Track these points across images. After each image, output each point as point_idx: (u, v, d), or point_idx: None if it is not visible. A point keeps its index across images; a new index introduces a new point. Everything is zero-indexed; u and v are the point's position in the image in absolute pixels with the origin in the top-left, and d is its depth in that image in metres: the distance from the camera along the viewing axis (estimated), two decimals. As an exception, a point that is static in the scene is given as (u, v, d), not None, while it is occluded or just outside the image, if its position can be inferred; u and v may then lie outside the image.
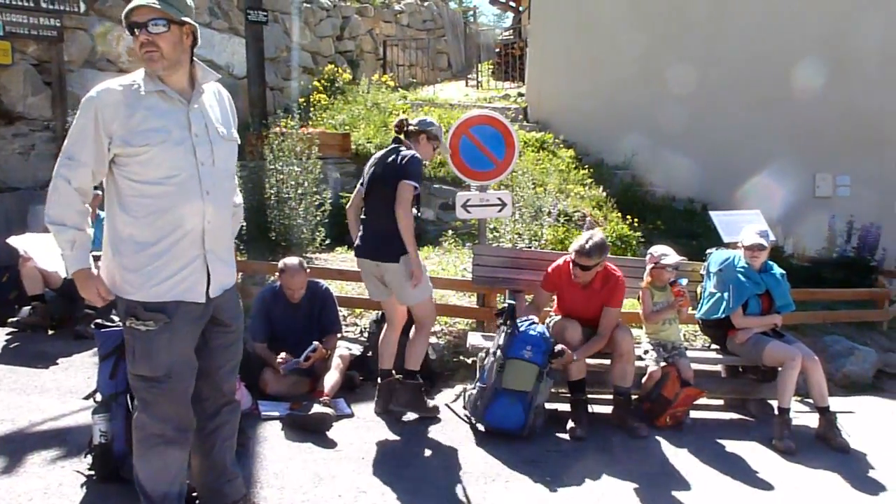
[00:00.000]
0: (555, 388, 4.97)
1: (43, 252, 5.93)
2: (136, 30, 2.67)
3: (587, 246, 4.74)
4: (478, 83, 16.79)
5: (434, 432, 4.59)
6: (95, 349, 5.55)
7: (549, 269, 5.06)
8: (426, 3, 18.78)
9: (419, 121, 4.86)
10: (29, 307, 5.97)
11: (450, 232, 8.94)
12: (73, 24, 9.04)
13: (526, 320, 4.68)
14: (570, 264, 4.88)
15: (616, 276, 4.96)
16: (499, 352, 4.56)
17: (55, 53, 8.68)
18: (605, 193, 10.65)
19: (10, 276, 6.47)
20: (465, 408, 4.82)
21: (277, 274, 5.14)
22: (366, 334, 5.84)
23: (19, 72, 8.58)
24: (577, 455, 4.42)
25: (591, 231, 4.97)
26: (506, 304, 4.83)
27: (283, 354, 4.83)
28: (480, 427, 4.63)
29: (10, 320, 5.98)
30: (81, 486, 3.57)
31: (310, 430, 4.37)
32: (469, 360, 5.61)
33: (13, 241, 5.99)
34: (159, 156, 2.69)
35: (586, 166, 11.52)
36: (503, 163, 5.86)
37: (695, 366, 5.12)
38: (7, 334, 5.91)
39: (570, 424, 4.70)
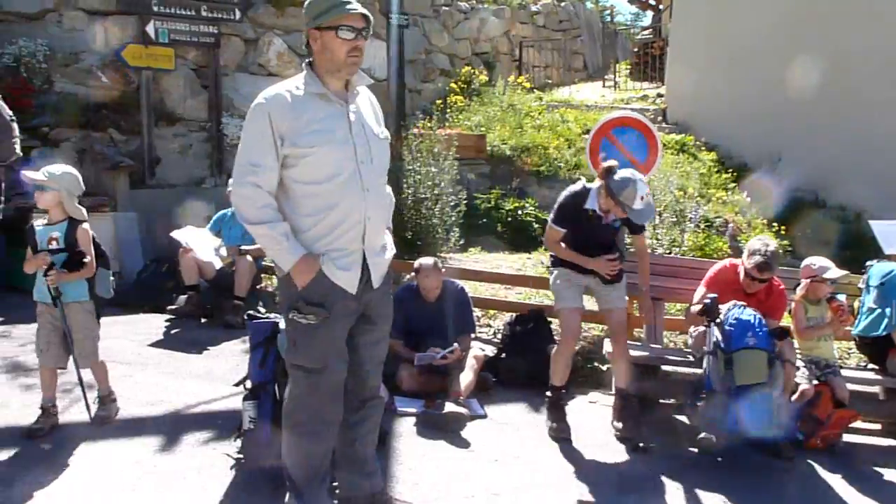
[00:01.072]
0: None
1: (200, 244, 6.33)
2: (340, 32, 2.76)
3: (768, 261, 4.45)
4: (615, 84, 16.47)
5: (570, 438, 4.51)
6: (242, 338, 5.91)
7: (712, 273, 4.80)
8: (563, 4, 18.60)
9: (616, 179, 4.27)
10: (185, 296, 6.38)
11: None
12: (228, 30, 9.59)
13: (731, 307, 4.35)
14: (743, 274, 4.64)
15: (780, 287, 4.71)
16: (718, 351, 4.23)
17: (212, 59, 9.25)
18: (748, 199, 10.17)
19: (168, 266, 6.95)
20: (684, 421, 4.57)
21: (413, 273, 5.23)
22: (499, 336, 5.84)
23: (180, 76, 9.21)
24: (714, 471, 4.21)
25: (761, 241, 4.58)
26: (706, 301, 4.43)
27: (434, 349, 4.92)
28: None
29: (168, 308, 6.42)
30: (231, 468, 3.76)
31: (444, 428, 4.42)
32: (604, 368, 5.49)
33: (176, 234, 6.44)
34: (325, 156, 2.80)
35: (729, 170, 11.05)
36: (644, 166, 5.68)
37: (850, 386, 4.77)
38: (165, 321, 6.36)
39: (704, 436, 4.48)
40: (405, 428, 4.45)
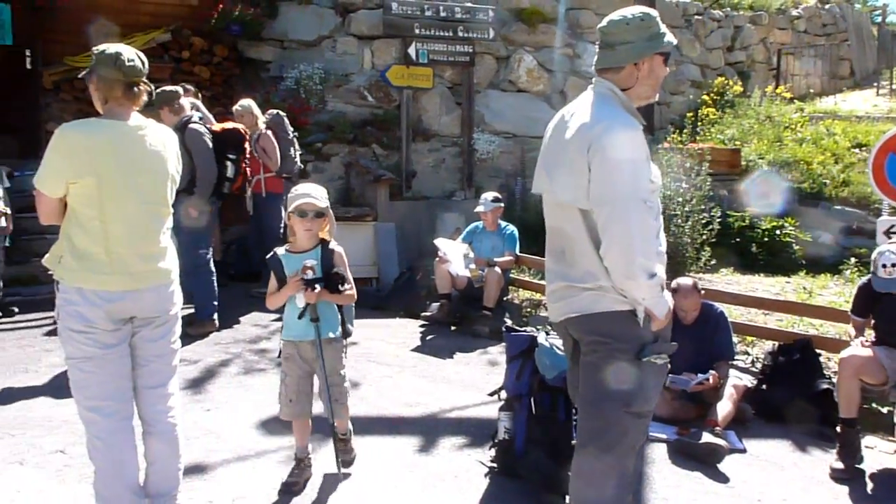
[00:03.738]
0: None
1: (455, 257, 6.62)
2: (666, 55, 2.69)
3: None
4: (890, 91, 14.82)
5: (847, 483, 4.09)
6: (489, 348, 6.08)
7: None
8: (827, 6, 17.09)
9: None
10: (437, 304, 6.70)
11: (852, 259, 8.03)
12: (482, 49, 9.96)
13: None
14: None
15: None
16: None
17: (466, 77, 9.65)
18: None
19: (422, 274, 7.36)
20: None
21: (670, 293, 5.04)
22: (758, 365, 5.47)
23: (436, 94, 9.73)
24: None
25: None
26: None
27: (689, 374, 4.72)
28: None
29: (421, 314, 6.78)
30: (485, 475, 3.86)
31: (699, 459, 4.20)
32: (884, 410, 4.93)
33: (438, 241, 6.81)
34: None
35: None
36: (942, 186, 5.05)
37: None
38: (419, 326, 6.73)
39: None
40: (657, 454, 4.30)
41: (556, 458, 3.79)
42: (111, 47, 2.90)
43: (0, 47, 9.04)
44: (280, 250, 3.53)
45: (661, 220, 2.71)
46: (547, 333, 4.02)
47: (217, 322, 6.19)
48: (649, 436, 4.45)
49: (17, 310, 6.53)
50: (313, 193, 3.47)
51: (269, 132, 7.11)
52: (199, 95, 7.48)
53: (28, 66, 9.26)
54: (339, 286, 3.44)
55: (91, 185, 2.80)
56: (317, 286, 3.39)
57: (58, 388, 4.75)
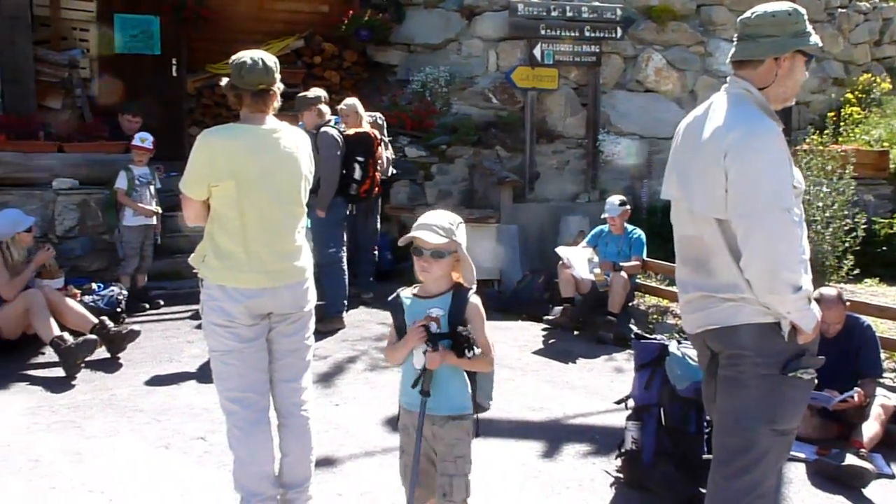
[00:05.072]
0: None
1: (578, 261, 6.54)
2: (808, 60, 2.54)
3: None
4: None
5: None
6: (614, 354, 5.98)
7: None
8: None
9: None
10: (560, 308, 6.63)
11: None
12: (608, 49, 9.76)
13: None
14: None
15: None
16: None
17: (592, 77, 9.50)
18: None
19: (544, 278, 7.30)
20: None
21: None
22: (909, 384, 5.09)
23: (561, 95, 9.62)
24: None
25: None
26: None
27: (831, 391, 4.44)
28: None
29: (544, 318, 6.72)
30: (610, 485, 3.78)
31: (842, 482, 3.94)
32: None
33: (559, 250, 6.77)
34: None
35: None
36: None
37: None
38: (542, 330, 6.69)
39: None
40: (794, 474, 4.07)
41: (686, 472, 3.67)
42: (242, 56, 3.02)
43: (149, 56, 9.67)
44: (405, 292, 2.78)
45: (805, 226, 2.55)
46: (678, 342, 3.90)
47: (345, 319, 6.37)
48: (786, 454, 4.24)
49: (162, 302, 6.96)
50: (435, 224, 2.62)
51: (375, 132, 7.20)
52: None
53: (174, 74, 9.86)
54: (466, 350, 2.54)
55: (230, 187, 2.95)
56: (440, 345, 2.56)
57: (199, 377, 5.05)
